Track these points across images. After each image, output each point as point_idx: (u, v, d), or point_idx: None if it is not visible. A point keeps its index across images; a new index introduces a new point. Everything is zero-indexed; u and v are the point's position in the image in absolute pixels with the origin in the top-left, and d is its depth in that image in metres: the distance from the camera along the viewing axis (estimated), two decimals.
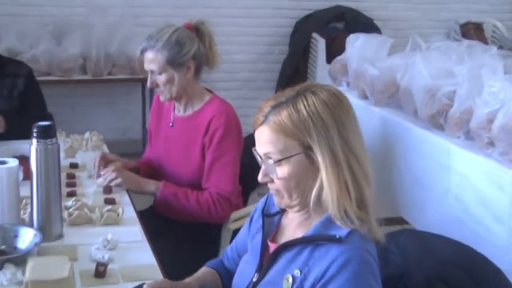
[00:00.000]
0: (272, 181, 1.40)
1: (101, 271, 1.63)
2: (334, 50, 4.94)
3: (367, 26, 5.23)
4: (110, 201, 2.15)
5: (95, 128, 3.18)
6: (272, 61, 5.50)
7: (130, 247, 1.84)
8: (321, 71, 4.97)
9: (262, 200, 1.58)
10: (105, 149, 2.80)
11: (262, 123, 1.38)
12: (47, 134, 1.83)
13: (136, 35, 4.73)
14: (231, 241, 2.40)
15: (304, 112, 1.34)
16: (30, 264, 1.59)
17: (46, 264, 1.60)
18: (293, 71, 5.33)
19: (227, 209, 2.29)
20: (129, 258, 1.76)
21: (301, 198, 1.40)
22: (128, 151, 4.55)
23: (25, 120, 2.80)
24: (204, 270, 1.69)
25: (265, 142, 1.38)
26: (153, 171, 2.47)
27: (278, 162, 1.36)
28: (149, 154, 2.57)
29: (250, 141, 2.37)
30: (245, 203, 2.56)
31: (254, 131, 1.41)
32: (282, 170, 1.37)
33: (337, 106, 1.36)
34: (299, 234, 1.42)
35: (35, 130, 1.83)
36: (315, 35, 5.17)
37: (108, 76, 4.56)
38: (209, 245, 2.40)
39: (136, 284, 1.55)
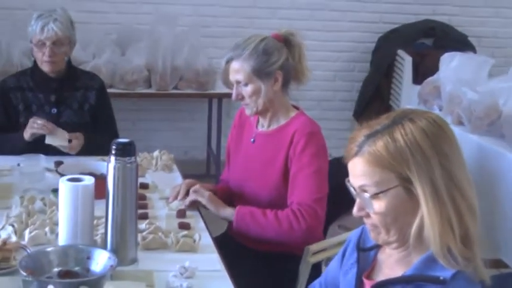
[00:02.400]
0: (368, 215, 1.45)
1: None
2: (422, 69, 4.94)
3: (460, 43, 5.19)
4: (185, 226, 2.23)
5: (155, 146, 3.29)
6: (351, 79, 5.53)
7: (209, 276, 1.91)
8: (406, 92, 4.96)
9: (356, 233, 1.62)
10: (176, 169, 2.90)
11: (356, 154, 1.43)
12: (126, 151, 1.93)
13: (205, 46, 4.88)
14: (310, 275, 2.45)
15: (402, 142, 1.37)
16: None
17: None
18: (374, 91, 5.33)
19: (311, 219, 2.28)
20: None
21: (400, 235, 1.43)
22: (191, 172, 4.65)
23: (95, 137, 2.95)
24: None
25: (359, 174, 1.42)
26: (230, 195, 2.55)
27: (374, 195, 1.40)
28: (227, 175, 2.66)
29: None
30: (324, 235, 2.59)
31: (347, 162, 1.46)
32: (379, 204, 1.40)
33: (438, 135, 1.39)
34: (398, 271, 1.45)
35: (114, 147, 1.92)
36: (400, 52, 5.17)
37: (173, 90, 4.65)
38: (285, 279, 2.44)
39: None
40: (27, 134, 2.84)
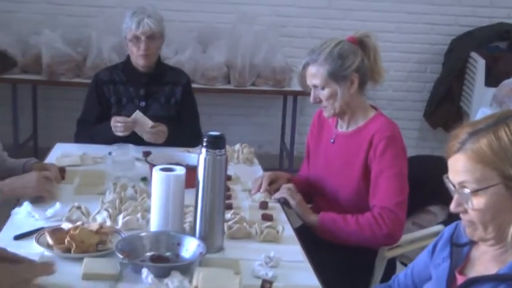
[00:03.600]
0: (466, 212, 1.43)
1: None
2: (496, 72, 4.81)
3: None
4: (268, 218, 2.25)
5: (231, 140, 3.29)
6: (422, 80, 5.44)
7: (293, 267, 1.92)
8: (478, 95, 4.84)
9: (450, 228, 1.61)
10: (256, 162, 2.93)
11: (458, 151, 1.42)
12: (217, 144, 1.95)
13: (282, 45, 4.90)
14: (385, 270, 2.43)
15: (506, 140, 1.36)
16: (200, 274, 1.70)
17: (215, 276, 1.71)
18: (445, 93, 5.23)
19: (393, 224, 2.26)
20: (292, 279, 1.85)
21: (497, 232, 1.41)
22: (263, 166, 4.69)
23: (179, 131, 3.01)
24: None
25: (460, 170, 1.41)
26: (307, 191, 2.55)
27: (474, 192, 1.39)
28: (305, 171, 2.66)
29: None
30: None
31: (448, 159, 1.45)
32: (478, 201, 1.39)
33: None
34: (492, 269, 1.43)
35: (205, 139, 1.95)
36: (473, 54, 5.05)
37: (251, 87, 4.69)
38: (361, 272, 2.44)
39: None
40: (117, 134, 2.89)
